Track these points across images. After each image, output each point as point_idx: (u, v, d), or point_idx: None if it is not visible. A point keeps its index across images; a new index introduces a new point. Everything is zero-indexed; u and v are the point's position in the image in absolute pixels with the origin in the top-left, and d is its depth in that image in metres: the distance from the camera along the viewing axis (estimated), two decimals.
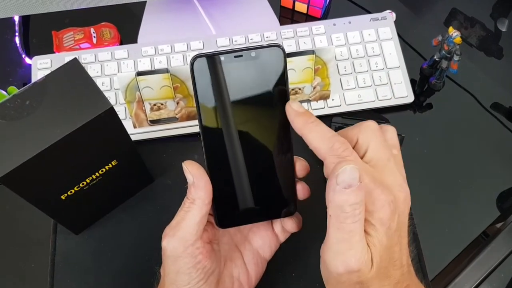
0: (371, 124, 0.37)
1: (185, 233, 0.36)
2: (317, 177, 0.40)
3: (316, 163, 0.44)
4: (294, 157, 0.39)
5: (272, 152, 0.38)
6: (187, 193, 0.37)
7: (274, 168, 0.38)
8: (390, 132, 0.39)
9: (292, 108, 0.36)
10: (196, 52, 0.60)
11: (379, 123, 0.54)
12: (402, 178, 0.36)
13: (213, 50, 0.37)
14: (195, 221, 0.36)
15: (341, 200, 0.32)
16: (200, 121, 0.37)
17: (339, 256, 0.33)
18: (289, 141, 0.38)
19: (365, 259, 0.32)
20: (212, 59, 0.35)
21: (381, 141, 0.36)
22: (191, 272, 0.37)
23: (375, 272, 0.33)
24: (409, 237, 0.37)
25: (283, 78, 0.36)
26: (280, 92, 0.37)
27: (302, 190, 0.39)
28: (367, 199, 0.33)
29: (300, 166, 0.39)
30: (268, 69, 0.36)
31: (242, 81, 0.36)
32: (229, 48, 0.37)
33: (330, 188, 0.33)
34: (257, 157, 0.38)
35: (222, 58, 0.35)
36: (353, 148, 0.36)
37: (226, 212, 0.39)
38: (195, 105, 0.37)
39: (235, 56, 0.36)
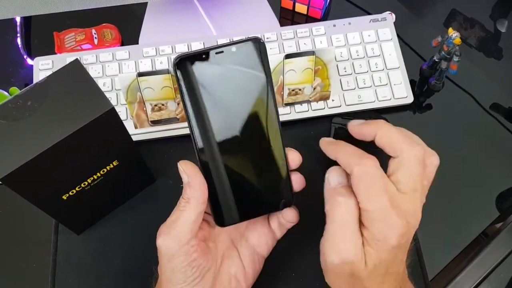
0: (416, 154, 0.37)
1: (180, 232, 0.37)
2: (316, 177, 0.40)
3: (316, 164, 0.44)
4: (286, 148, 0.39)
5: (263, 145, 0.38)
6: (183, 192, 0.38)
7: (268, 161, 0.39)
8: (431, 164, 0.39)
9: (324, 141, 0.42)
10: None
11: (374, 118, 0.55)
12: (420, 205, 0.37)
13: (195, 49, 0.37)
14: (190, 220, 0.37)
15: (334, 194, 0.37)
16: (189, 121, 0.37)
17: (334, 247, 0.36)
18: (279, 132, 0.38)
19: (357, 253, 0.35)
20: (195, 58, 0.36)
21: (417, 173, 0.37)
22: (186, 270, 0.37)
23: (369, 274, 0.35)
24: (410, 248, 0.38)
25: (266, 69, 0.37)
26: (264, 83, 0.37)
27: (297, 181, 0.40)
28: (380, 216, 0.35)
29: (292, 156, 0.40)
30: (250, 62, 0.37)
31: (226, 77, 0.36)
32: (210, 46, 0.37)
33: (325, 187, 0.38)
34: (249, 151, 0.38)
35: (204, 56, 0.36)
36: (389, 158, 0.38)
37: (224, 211, 0.39)
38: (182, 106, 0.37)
39: (216, 53, 0.36)
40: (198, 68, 0.36)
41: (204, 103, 0.37)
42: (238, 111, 0.37)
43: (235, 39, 0.61)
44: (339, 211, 0.36)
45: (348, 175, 0.38)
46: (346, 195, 0.36)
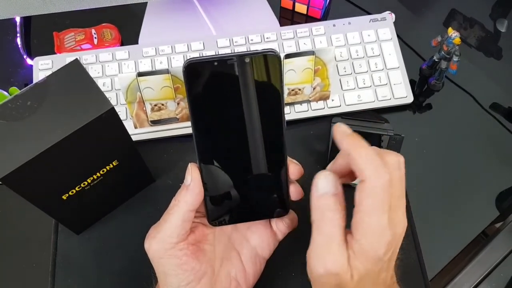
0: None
1: (165, 236, 0.37)
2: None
3: (315, 164, 0.44)
4: (289, 159, 0.39)
5: (265, 155, 0.38)
6: (177, 193, 0.38)
7: (267, 170, 0.39)
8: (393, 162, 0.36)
9: (339, 130, 0.37)
10: (197, 53, 0.60)
11: (378, 123, 0.55)
12: (403, 211, 0.35)
13: (207, 55, 0.36)
14: (176, 224, 0.37)
15: (320, 205, 0.35)
16: (193, 124, 0.37)
17: (320, 259, 0.34)
18: (282, 144, 0.38)
19: (343, 265, 0.34)
20: (205, 64, 0.35)
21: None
22: (178, 273, 0.37)
23: (355, 286, 0.34)
24: (398, 256, 0.37)
25: (278, 83, 0.36)
26: (275, 97, 0.36)
27: (294, 192, 0.40)
28: (374, 231, 0.33)
29: (294, 169, 0.39)
30: (263, 75, 0.36)
31: (235, 86, 0.36)
32: (227, 52, 0.36)
33: (313, 195, 0.36)
34: (251, 159, 0.38)
35: (215, 63, 0.35)
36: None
37: (217, 210, 0.39)
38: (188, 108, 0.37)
39: (228, 62, 0.35)
40: (208, 75, 0.35)
41: (209, 109, 0.36)
42: (243, 120, 0.37)
43: (235, 39, 0.61)
44: (326, 225, 0.34)
45: (339, 183, 0.36)
46: (334, 209, 0.34)
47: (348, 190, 0.37)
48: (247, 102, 0.36)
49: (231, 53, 0.35)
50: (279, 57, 0.35)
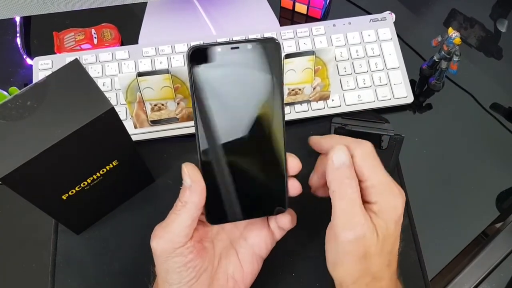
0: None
1: (174, 235, 0.37)
2: None
3: (315, 160, 0.44)
4: (287, 154, 0.39)
5: (265, 149, 0.38)
6: (180, 194, 0.38)
7: (267, 165, 0.39)
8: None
9: (314, 137, 0.43)
10: None
11: (378, 123, 0.55)
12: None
13: (210, 42, 0.37)
14: (185, 224, 0.37)
15: (338, 175, 0.39)
16: (195, 115, 0.37)
17: (346, 225, 0.38)
18: (282, 137, 0.38)
19: (369, 225, 0.37)
20: (209, 50, 0.35)
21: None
22: (181, 271, 0.37)
23: (380, 249, 0.37)
24: (400, 239, 0.41)
25: (278, 71, 0.36)
26: (275, 85, 0.37)
27: (293, 187, 0.40)
28: (385, 188, 0.39)
29: (292, 163, 0.39)
30: (264, 62, 0.36)
31: (238, 74, 0.36)
32: (226, 40, 0.37)
33: (329, 169, 0.39)
34: (251, 153, 0.38)
35: (219, 49, 0.35)
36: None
37: (217, 208, 0.39)
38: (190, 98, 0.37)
39: (231, 48, 0.36)
40: (211, 62, 0.36)
41: (212, 98, 0.36)
42: (244, 111, 0.37)
43: (235, 39, 0.61)
44: (346, 190, 0.38)
45: (351, 157, 0.40)
46: (351, 177, 0.38)
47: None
48: (248, 91, 0.37)
49: (234, 40, 0.36)
50: (279, 43, 0.36)
